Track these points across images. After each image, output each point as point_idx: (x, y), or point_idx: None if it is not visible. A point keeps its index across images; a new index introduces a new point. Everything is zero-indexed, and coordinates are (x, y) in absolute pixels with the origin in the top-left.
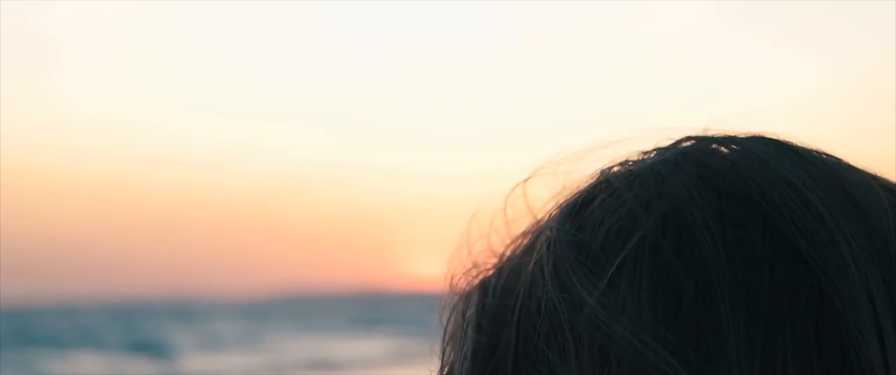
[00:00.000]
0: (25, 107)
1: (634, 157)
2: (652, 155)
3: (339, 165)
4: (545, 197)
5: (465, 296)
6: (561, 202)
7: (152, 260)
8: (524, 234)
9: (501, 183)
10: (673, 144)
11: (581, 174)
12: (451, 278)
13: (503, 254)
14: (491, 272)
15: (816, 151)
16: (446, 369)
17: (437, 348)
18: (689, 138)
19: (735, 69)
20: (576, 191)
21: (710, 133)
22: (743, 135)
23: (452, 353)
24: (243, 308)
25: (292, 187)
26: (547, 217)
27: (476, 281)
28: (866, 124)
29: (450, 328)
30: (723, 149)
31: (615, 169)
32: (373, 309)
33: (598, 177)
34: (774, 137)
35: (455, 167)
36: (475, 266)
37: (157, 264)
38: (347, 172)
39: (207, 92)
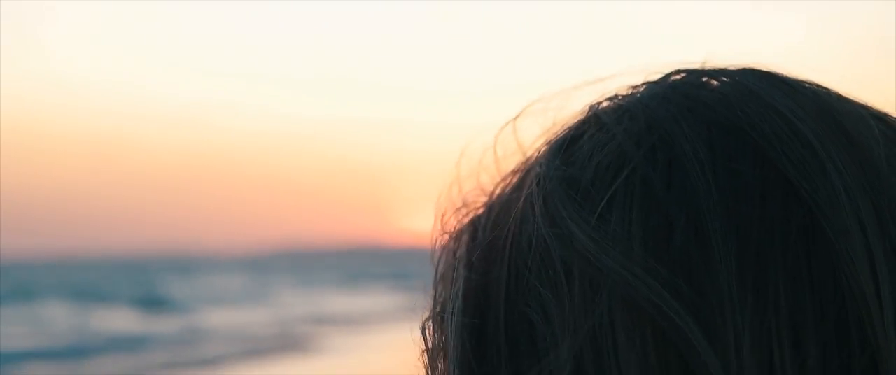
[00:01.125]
0: (18, 63)
1: (624, 92)
2: (641, 89)
3: (333, 121)
4: (535, 135)
5: (456, 235)
6: (550, 139)
7: (149, 215)
8: (514, 172)
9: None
10: (662, 78)
11: (571, 111)
12: (442, 218)
13: (493, 193)
14: (481, 211)
15: (807, 82)
16: (438, 308)
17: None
18: (678, 72)
19: (719, 27)
20: (565, 128)
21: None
22: (733, 68)
23: (444, 292)
24: (242, 262)
25: (286, 143)
26: (536, 154)
27: (466, 221)
28: (852, 79)
29: (441, 267)
30: (712, 81)
31: (604, 104)
32: (371, 264)
33: (588, 113)
34: (764, 69)
35: (450, 120)
36: (465, 205)
37: (154, 220)
38: (342, 127)
39: (202, 50)
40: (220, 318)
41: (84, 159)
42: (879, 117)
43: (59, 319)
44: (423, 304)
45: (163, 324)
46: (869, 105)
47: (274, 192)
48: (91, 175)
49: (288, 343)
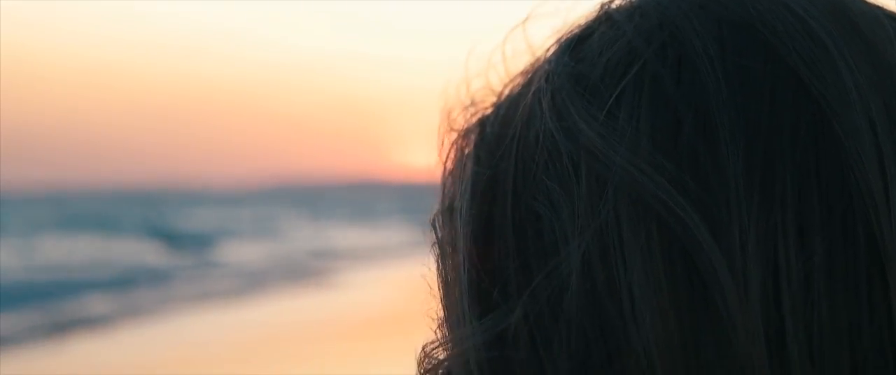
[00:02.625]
0: None
1: None
2: None
3: (333, 55)
4: (546, 37)
5: (464, 133)
6: (561, 38)
7: (146, 148)
8: (523, 73)
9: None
10: None
11: (582, 11)
12: (448, 115)
13: (501, 93)
14: (489, 110)
15: None
16: (447, 203)
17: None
18: None
19: None
20: (576, 26)
21: None
22: None
23: (453, 187)
24: (244, 196)
25: (285, 76)
26: (546, 53)
27: (474, 119)
28: None
29: (449, 164)
30: None
31: (616, 2)
32: (374, 199)
33: (599, 12)
34: None
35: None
36: (473, 104)
37: (150, 152)
38: (342, 61)
39: None
40: (228, 251)
41: (81, 90)
42: (893, 17)
43: (66, 252)
44: (428, 236)
45: (170, 257)
46: (883, 6)
47: (272, 126)
48: (88, 106)
49: (297, 276)
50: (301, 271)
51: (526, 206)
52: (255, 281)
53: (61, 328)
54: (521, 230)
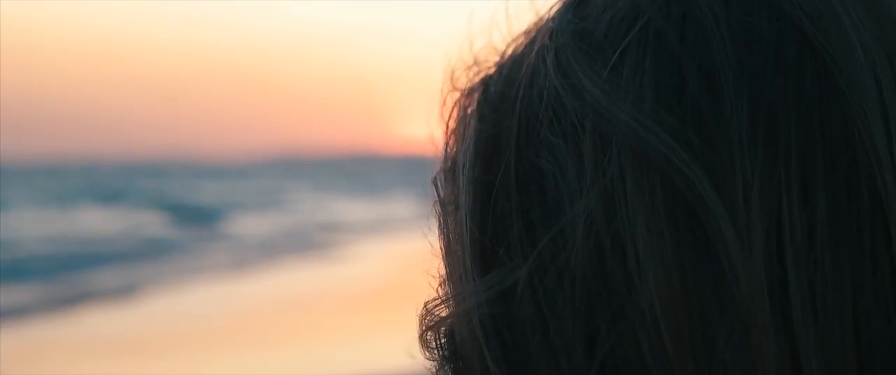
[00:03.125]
0: None
1: None
2: None
3: (332, 26)
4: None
5: (467, 92)
6: None
7: (146, 121)
8: (526, 32)
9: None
10: None
11: None
12: (452, 74)
13: (505, 52)
14: (492, 70)
15: None
16: (449, 162)
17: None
18: None
19: None
20: None
21: None
22: None
23: (455, 146)
24: (245, 169)
25: (282, 49)
26: (550, 13)
27: (477, 78)
28: None
29: (452, 123)
30: None
31: None
32: (374, 171)
33: None
34: None
35: (452, 29)
36: (476, 63)
37: (151, 125)
38: (340, 33)
39: None
40: (232, 224)
41: (81, 61)
42: None
43: (70, 224)
44: (430, 194)
45: (175, 230)
46: None
47: (273, 98)
48: (88, 78)
49: (302, 248)
50: (306, 243)
51: (530, 163)
52: (260, 254)
53: (68, 300)
54: (524, 187)
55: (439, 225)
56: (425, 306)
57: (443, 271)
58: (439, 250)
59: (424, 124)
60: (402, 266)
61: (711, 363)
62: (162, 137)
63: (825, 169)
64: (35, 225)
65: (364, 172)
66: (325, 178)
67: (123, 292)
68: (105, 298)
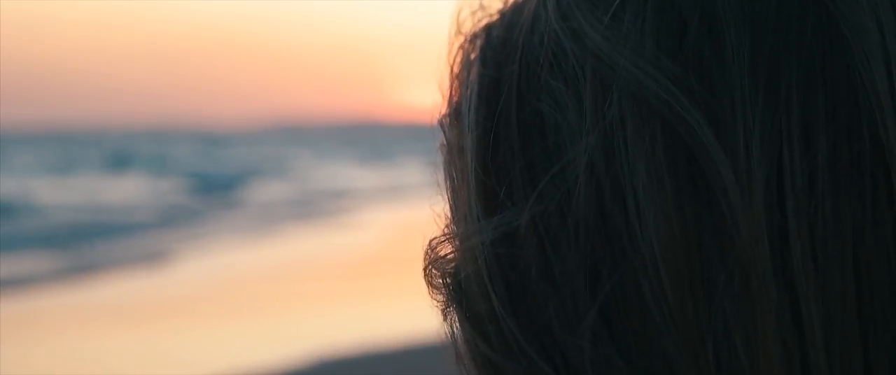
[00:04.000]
0: None
1: None
2: None
3: None
4: None
5: (470, 38)
6: None
7: (143, 88)
8: None
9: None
10: None
11: None
12: (458, 19)
13: (507, 0)
14: (495, 17)
15: None
16: (453, 106)
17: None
18: None
19: None
20: None
21: None
22: None
23: (459, 91)
24: (248, 136)
25: (283, 15)
26: None
27: (481, 24)
28: None
29: (456, 67)
30: None
31: None
32: (377, 139)
33: None
34: None
35: None
36: (482, 8)
37: (148, 92)
38: (341, 1)
39: None
40: (239, 191)
41: (80, 29)
42: None
43: (78, 191)
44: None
45: (178, 196)
46: None
47: (273, 65)
48: (88, 46)
49: (310, 215)
50: (314, 211)
51: (531, 107)
52: (269, 222)
53: (84, 268)
54: (526, 131)
55: (444, 168)
56: (429, 244)
57: (448, 213)
58: (445, 193)
59: (425, 91)
60: (410, 233)
61: (711, 308)
62: (163, 105)
63: (827, 115)
64: (46, 193)
65: (367, 139)
66: (328, 145)
67: (137, 260)
68: (121, 266)
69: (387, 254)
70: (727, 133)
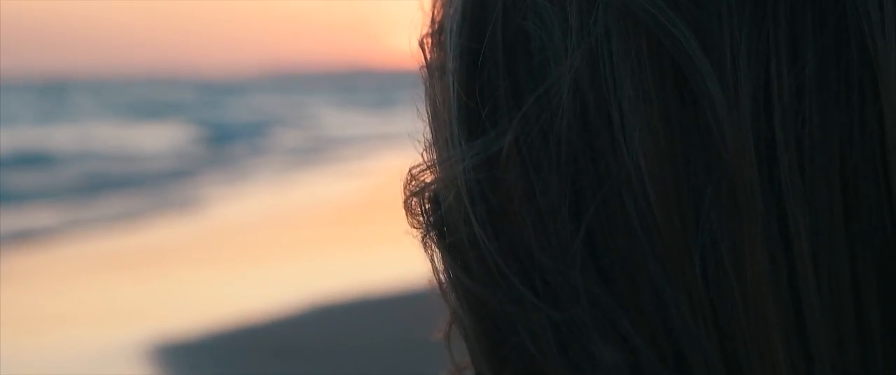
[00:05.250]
0: None
1: None
2: None
3: None
4: None
5: None
6: None
7: (133, 35)
8: None
9: None
10: None
11: None
12: None
13: None
14: None
15: None
16: (437, 26)
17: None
18: None
19: None
20: None
21: None
22: None
23: (442, 11)
24: (244, 84)
25: None
26: None
27: None
28: None
29: None
30: None
31: None
32: (372, 86)
33: None
34: None
35: None
36: None
37: (138, 40)
38: None
39: None
40: (243, 138)
41: None
42: None
43: (98, 140)
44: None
45: (180, 142)
46: None
47: (261, 13)
48: None
49: (315, 162)
50: (317, 157)
51: (516, 26)
52: (271, 169)
53: (102, 218)
54: (511, 50)
55: (425, 90)
56: (410, 171)
57: (428, 137)
58: (425, 116)
59: (412, 38)
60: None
61: (697, 222)
62: (160, 53)
63: (814, 27)
64: (56, 142)
65: (365, 86)
66: (326, 93)
67: (143, 208)
68: (126, 216)
69: (387, 201)
70: (714, 45)
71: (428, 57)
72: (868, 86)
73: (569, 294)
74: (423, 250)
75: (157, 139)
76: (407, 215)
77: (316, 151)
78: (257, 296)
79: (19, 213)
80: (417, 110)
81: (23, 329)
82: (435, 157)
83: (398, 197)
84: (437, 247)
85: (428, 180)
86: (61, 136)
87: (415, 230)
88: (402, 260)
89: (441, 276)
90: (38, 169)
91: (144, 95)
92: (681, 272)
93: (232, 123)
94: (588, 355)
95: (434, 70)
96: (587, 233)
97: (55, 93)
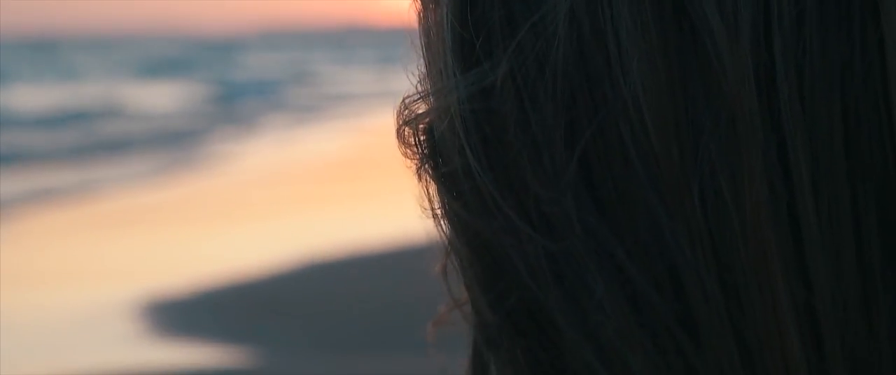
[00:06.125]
0: None
1: None
2: None
3: None
4: None
5: None
6: None
7: None
8: None
9: None
10: None
11: None
12: None
13: None
14: None
15: None
16: None
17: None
18: None
19: None
20: None
21: None
22: None
23: None
24: (241, 41)
25: None
26: None
27: None
28: None
29: None
30: None
31: None
32: (369, 43)
33: None
34: None
35: None
36: None
37: None
38: None
39: None
40: (247, 96)
41: None
42: None
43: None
44: None
45: (182, 100)
46: None
47: None
48: None
49: (318, 119)
50: (321, 114)
51: None
52: (272, 126)
53: (98, 179)
54: None
55: (419, 21)
56: (403, 101)
57: (423, 68)
58: (420, 47)
59: None
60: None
61: (696, 153)
62: (150, 10)
63: None
64: (68, 101)
65: (362, 43)
66: (323, 50)
67: (150, 168)
68: (137, 174)
69: (384, 158)
70: None
71: None
72: (868, 13)
73: (563, 224)
74: (417, 181)
75: (156, 98)
76: (399, 144)
77: (315, 109)
78: (252, 254)
79: (24, 173)
80: (411, 40)
81: (23, 286)
82: (429, 88)
83: (395, 154)
84: (432, 178)
85: (422, 111)
86: (56, 96)
87: (408, 160)
88: (397, 218)
89: (436, 208)
90: (37, 128)
91: (140, 53)
92: (679, 202)
93: (231, 81)
94: (583, 285)
95: (428, 1)
96: (583, 163)
97: (47, 51)
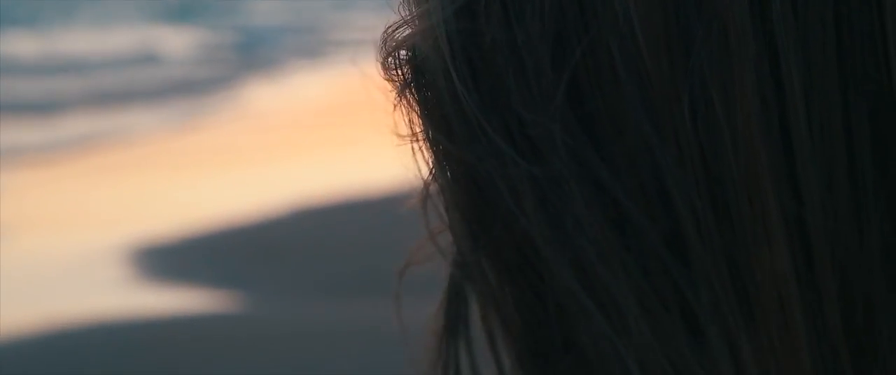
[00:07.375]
0: None
1: None
2: None
3: None
4: None
5: None
6: None
7: None
8: None
9: None
10: None
11: None
12: None
13: None
14: None
15: None
16: None
17: None
18: None
19: None
20: None
21: None
22: None
23: None
24: None
25: None
26: None
27: None
28: None
29: None
30: None
31: None
32: None
33: None
34: None
35: None
36: None
37: None
38: None
39: None
40: (242, 42)
41: None
42: None
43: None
44: None
45: (179, 48)
46: None
47: None
48: None
49: (316, 64)
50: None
51: None
52: (271, 71)
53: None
54: None
55: None
56: (386, 30)
57: None
58: None
59: None
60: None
61: (687, 65)
62: None
63: None
64: (76, 47)
65: None
66: None
67: (146, 116)
68: (136, 122)
69: (376, 104)
70: None
71: None
72: None
73: (548, 146)
74: (399, 107)
75: (153, 45)
76: (383, 73)
77: (313, 54)
78: (244, 199)
79: (36, 121)
80: None
81: (15, 232)
82: (412, 11)
83: (386, 101)
84: (415, 103)
85: (405, 35)
86: (52, 44)
87: (391, 86)
88: (390, 162)
89: (418, 135)
90: (28, 76)
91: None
92: (669, 116)
93: (231, 27)
94: (567, 209)
95: None
96: (570, 82)
97: None
